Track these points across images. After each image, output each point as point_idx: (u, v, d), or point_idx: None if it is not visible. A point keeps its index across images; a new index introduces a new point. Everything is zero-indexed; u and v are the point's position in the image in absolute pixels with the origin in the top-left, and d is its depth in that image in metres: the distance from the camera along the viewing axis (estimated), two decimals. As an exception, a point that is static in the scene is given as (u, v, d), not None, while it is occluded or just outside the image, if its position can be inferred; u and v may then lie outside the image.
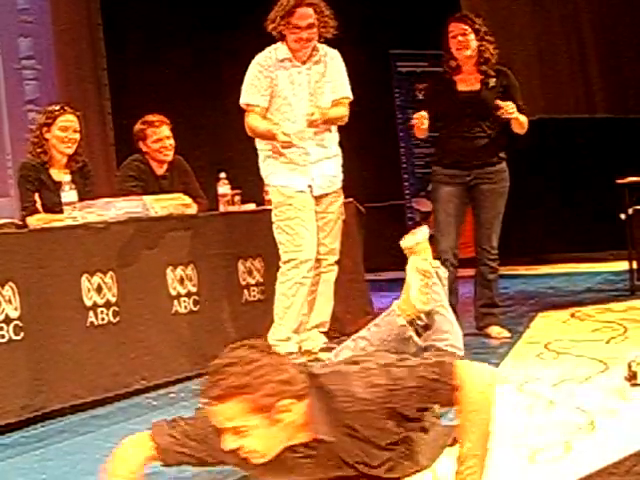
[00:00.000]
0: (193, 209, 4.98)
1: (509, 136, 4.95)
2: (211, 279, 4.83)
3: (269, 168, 4.69)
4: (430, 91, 5.06)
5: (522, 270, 8.09)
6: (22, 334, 3.94)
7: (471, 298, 5.17)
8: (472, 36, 4.90)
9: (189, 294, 4.72)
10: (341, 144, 4.82)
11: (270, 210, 4.75)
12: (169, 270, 4.65)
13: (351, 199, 5.55)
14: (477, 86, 4.92)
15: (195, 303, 4.75)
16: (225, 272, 4.94)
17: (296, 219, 4.61)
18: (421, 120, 4.75)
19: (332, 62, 4.75)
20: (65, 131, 4.84)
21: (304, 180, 4.66)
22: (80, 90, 8.03)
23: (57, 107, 4.94)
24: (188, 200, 4.97)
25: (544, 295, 6.40)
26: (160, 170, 5.28)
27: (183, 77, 8.27)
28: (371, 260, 6.07)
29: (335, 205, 4.78)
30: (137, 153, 5.31)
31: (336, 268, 4.87)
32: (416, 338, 3.25)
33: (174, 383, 4.50)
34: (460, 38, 4.89)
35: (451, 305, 4.67)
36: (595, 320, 5.09)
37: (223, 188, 5.22)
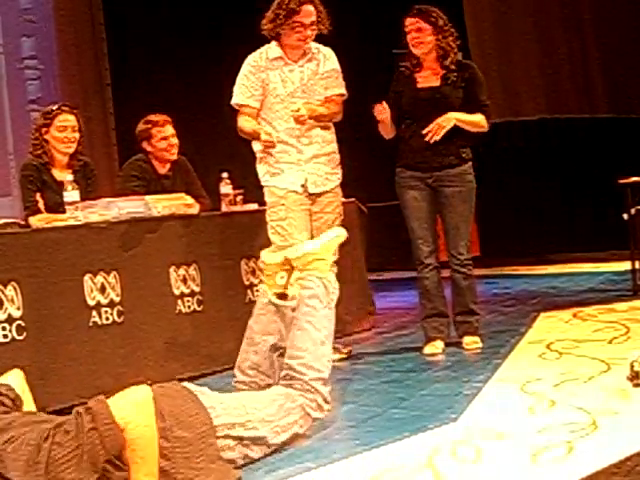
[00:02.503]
0: (195, 209, 4.98)
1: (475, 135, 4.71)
2: (214, 279, 4.83)
3: (263, 168, 4.67)
4: (392, 90, 4.77)
5: (524, 270, 8.10)
6: (25, 334, 3.95)
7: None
8: (427, 31, 4.66)
9: (192, 294, 4.73)
10: (344, 143, 4.78)
11: None
12: (172, 270, 4.65)
13: (353, 199, 5.56)
14: (437, 82, 4.69)
15: (199, 303, 4.75)
16: (228, 272, 4.94)
17: (288, 219, 4.56)
18: (381, 111, 4.53)
19: (325, 59, 4.71)
20: (63, 131, 4.84)
21: (297, 179, 4.61)
22: (82, 90, 8.05)
23: (54, 107, 4.94)
24: (190, 200, 4.97)
25: (546, 295, 6.40)
26: (163, 170, 5.29)
27: (185, 77, 8.28)
28: (373, 260, 6.07)
29: (333, 204, 4.71)
30: (140, 153, 5.32)
31: (335, 268, 4.82)
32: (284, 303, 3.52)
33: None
34: (414, 34, 4.67)
35: (438, 309, 4.73)
36: (597, 320, 5.08)
37: (225, 188, 5.22)
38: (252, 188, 5.08)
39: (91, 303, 4.25)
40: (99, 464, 2.44)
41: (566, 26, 9.24)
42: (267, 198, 4.66)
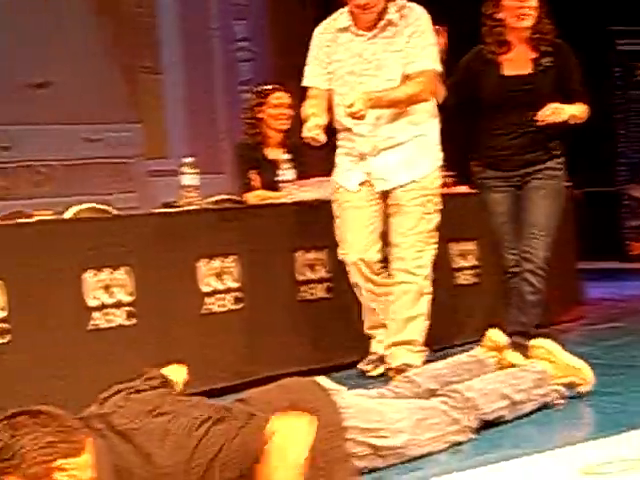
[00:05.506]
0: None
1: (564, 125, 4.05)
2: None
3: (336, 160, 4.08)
4: (468, 67, 4.13)
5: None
6: (242, 304, 4.08)
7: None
8: (534, 4, 3.96)
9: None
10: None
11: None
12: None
13: (568, 184, 5.39)
14: (528, 69, 4.03)
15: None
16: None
17: (339, 219, 4.01)
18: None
19: (407, 24, 3.80)
20: (278, 108, 4.96)
21: (356, 175, 3.95)
22: (294, 72, 8.19)
23: (268, 86, 5.09)
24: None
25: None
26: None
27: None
28: (584, 248, 5.87)
29: (416, 201, 3.88)
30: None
31: (416, 285, 3.94)
32: None
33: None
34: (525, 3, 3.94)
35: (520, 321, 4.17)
36: None
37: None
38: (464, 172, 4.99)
39: (300, 278, 4.31)
40: (243, 465, 2.36)
41: None
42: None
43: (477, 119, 4.18)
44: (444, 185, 5.14)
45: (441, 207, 4.01)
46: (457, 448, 2.94)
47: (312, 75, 3.96)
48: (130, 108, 7.45)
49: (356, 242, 3.95)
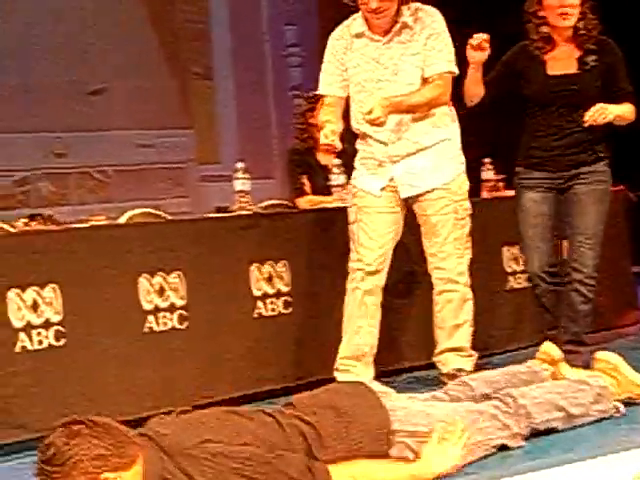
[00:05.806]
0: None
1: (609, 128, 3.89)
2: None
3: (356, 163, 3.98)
4: (511, 63, 4.02)
5: None
6: (291, 308, 4.11)
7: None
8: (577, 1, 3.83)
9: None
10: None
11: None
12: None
13: (621, 186, 5.32)
14: (573, 68, 3.91)
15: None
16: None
17: (356, 224, 3.86)
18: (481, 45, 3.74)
19: (423, 27, 3.73)
20: None
21: (378, 181, 3.84)
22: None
23: (318, 92, 5.09)
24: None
25: None
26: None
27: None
28: (636, 251, 5.78)
29: (447, 208, 3.81)
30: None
31: (458, 292, 3.89)
32: None
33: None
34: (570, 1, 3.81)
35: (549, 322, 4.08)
36: None
37: (487, 174, 5.11)
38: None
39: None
40: None
41: None
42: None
43: (522, 119, 4.08)
44: (495, 189, 5.16)
45: (471, 212, 3.92)
46: (508, 453, 2.92)
47: (327, 83, 3.90)
48: (182, 114, 7.53)
49: (375, 247, 3.84)
